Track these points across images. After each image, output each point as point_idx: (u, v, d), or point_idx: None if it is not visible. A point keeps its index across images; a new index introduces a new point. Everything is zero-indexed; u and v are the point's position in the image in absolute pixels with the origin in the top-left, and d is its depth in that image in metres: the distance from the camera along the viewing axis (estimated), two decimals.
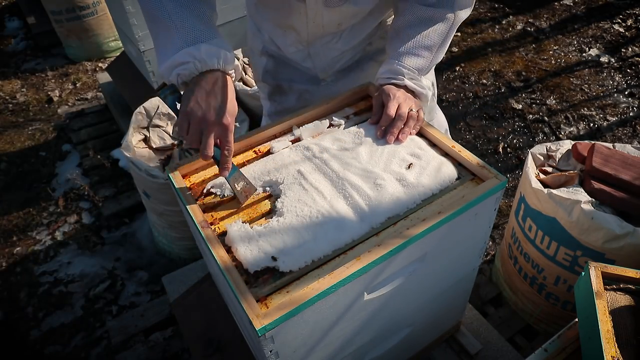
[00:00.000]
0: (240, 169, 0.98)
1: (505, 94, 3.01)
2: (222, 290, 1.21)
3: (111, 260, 2.23)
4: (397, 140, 1.03)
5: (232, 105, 0.91)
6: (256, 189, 0.97)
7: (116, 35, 3.65)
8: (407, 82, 1.07)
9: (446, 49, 1.14)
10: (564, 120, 2.78)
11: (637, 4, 3.72)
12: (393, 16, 1.20)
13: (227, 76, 0.94)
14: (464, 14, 1.12)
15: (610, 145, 1.53)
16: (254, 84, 2.28)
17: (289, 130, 1.13)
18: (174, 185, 1.00)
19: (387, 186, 0.94)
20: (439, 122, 1.53)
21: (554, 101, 2.91)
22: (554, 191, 1.42)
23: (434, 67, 1.39)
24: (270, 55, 1.32)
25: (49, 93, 3.42)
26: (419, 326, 1.20)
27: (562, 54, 3.30)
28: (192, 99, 0.89)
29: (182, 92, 0.94)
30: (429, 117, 1.46)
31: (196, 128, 0.89)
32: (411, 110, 1.05)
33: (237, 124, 2.12)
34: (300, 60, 1.27)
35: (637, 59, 3.19)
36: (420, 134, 1.10)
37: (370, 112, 1.13)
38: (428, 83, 1.13)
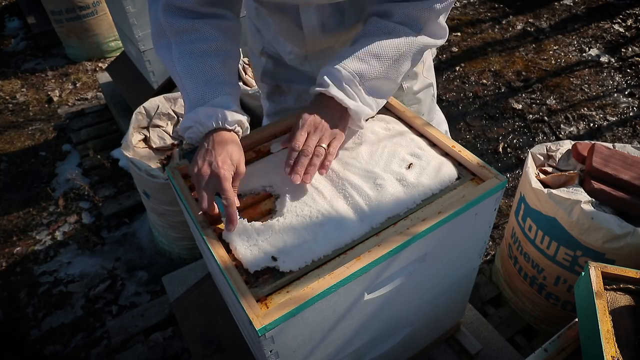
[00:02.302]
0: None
1: (505, 94, 3.01)
2: (222, 290, 1.21)
3: (111, 260, 2.23)
4: (303, 181, 0.91)
5: (227, 156, 0.90)
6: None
7: (116, 35, 3.65)
8: (335, 92, 0.93)
9: (402, 70, 0.99)
10: (564, 120, 2.78)
11: (637, 4, 3.72)
12: None
13: (229, 132, 0.95)
14: (431, 42, 1.00)
15: (610, 145, 1.53)
16: (254, 84, 2.28)
17: (289, 130, 1.13)
18: (174, 185, 1.00)
19: (387, 186, 0.94)
20: (439, 123, 1.53)
21: (554, 101, 2.91)
22: (554, 191, 1.42)
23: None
24: (269, 56, 1.32)
25: (49, 93, 3.42)
26: (419, 326, 1.20)
27: (562, 54, 3.30)
28: (193, 159, 0.93)
29: None
30: (429, 117, 1.46)
31: (196, 187, 0.90)
32: (320, 145, 0.92)
33: None
34: (299, 65, 1.28)
35: (637, 59, 3.19)
36: (420, 134, 1.10)
37: None
38: (370, 100, 0.97)
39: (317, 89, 0.95)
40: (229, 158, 0.90)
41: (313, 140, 0.92)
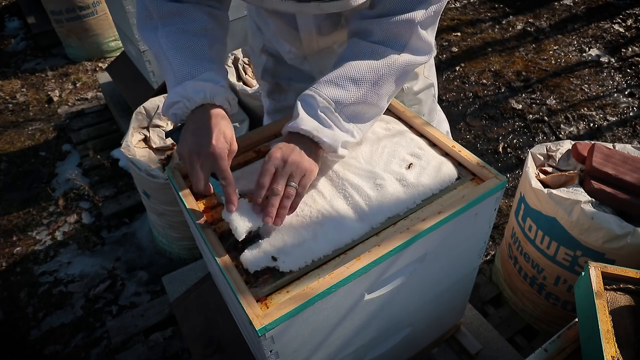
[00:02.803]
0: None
1: (505, 94, 3.01)
2: (222, 290, 1.21)
3: (111, 260, 2.23)
4: (274, 223, 0.85)
5: (220, 134, 0.87)
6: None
7: (116, 35, 3.65)
8: (305, 126, 0.87)
9: (383, 92, 0.93)
10: (564, 120, 2.78)
11: (637, 4, 3.72)
12: None
13: (219, 108, 0.91)
14: (414, 60, 0.94)
15: (610, 145, 1.53)
16: (254, 84, 2.28)
17: None
18: (174, 185, 1.00)
19: (387, 186, 0.94)
20: (439, 123, 1.53)
21: (554, 101, 2.91)
22: (554, 191, 1.42)
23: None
24: (270, 54, 1.32)
25: (49, 93, 3.42)
26: (419, 326, 1.20)
27: (562, 54, 3.30)
28: (182, 139, 0.89)
29: None
30: (429, 117, 1.46)
31: (189, 167, 0.87)
32: (289, 184, 0.85)
33: (237, 124, 2.12)
34: (298, 64, 1.28)
35: (637, 59, 3.19)
36: (420, 133, 1.10)
37: None
38: (349, 126, 0.91)
39: (287, 128, 0.90)
40: (222, 135, 0.87)
41: (282, 177, 0.85)
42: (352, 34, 0.98)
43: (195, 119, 0.89)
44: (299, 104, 0.90)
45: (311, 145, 0.89)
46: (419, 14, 0.89)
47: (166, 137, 1.01)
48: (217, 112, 0.90)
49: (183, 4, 0.95)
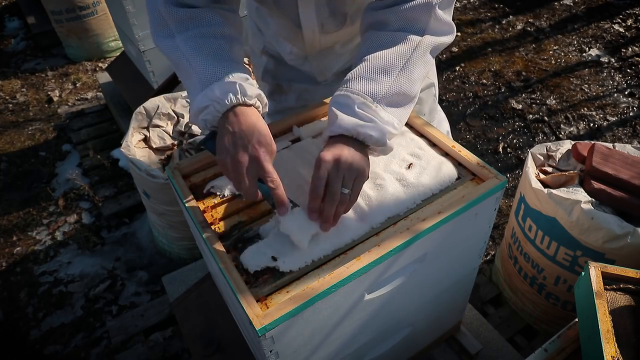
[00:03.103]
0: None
1: (505, 94, 3.01)
2: (222, 290, 1.21)
3: (111, 260, 2.23)
4: (332, 224, 0.84)
5: (260, 135, 0.83)
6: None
7: (116, 35, 3.65)
8: (347, 125, 0.83)
9: (415, 77, 0.90)
10: (564, 120, 2.78)
11: (637, 4, 3.72)
12: None
13: (251, 108, 0.87)
14: (437, 40, 0.92)
15: (610, 145, 1.53)
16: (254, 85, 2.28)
17: (289, 130, 1.13)
18: (174, 185, 1.00)
19: (387, 186, 0.94)
20: (440, 123, 1.53)
21: (554, 101, 2.91)
22: (554, 191, 1.42)
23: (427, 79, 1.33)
24: (270, 55, 1.32)
25: (49, 93, 3.42)
26: (419, 326, 1.20)
27: (562, 54, 3.30)
28: (220, 146, 0.85)
29: None
30: (430, 117, 1.46)
31: (234, 176, 0.83)
32: (343, 190, 0.82)
33: None
34: (299, 65, 1.28)
35: (637, 59, 3.19)
36: (420, 134, 1.10)
37: None
38: (389, 117, 0.87)
39: (327, 133, 0.87)
40: (263, 137, 0.84)
41: (336, 182, 0.81)
42: (366, 27, 0.96)
43: (230, 123, 0.85)
44: (332, 107, 0.87)
45: (358, 144, 0.85)
46: None
47: (199, 147, 0.96)
48: (252, 113, 0.86)
49: (197, 8, 0.93)
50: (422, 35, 0.90)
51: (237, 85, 0.85)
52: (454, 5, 0.96)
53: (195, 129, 1.96)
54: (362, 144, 0.86)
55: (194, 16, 0.92)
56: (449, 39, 0.95)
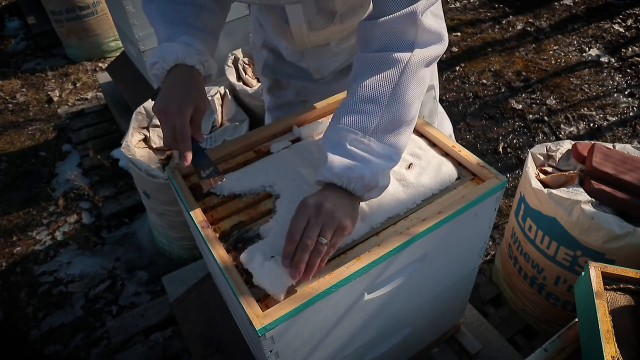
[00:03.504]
0: (210, 157, 0.97)
1: (505, 94, 3.01)
2: (222, 290, 1.21)
3: (111, 260, 2.23)
4: (302, 278, 0.78)
5: (185, 91, 0.91)
6: (224, 178, 0.94)
7: (116, 35, 3.65)
8: (336, 172, 0.79)
9: (408, 100, 0.84)
10: (564, 120, 2.78)
11: (637, 4, 3.72)
12: None
13: (191, 69, 0.94)
14: (428, 54, 0.86)
15: (610, 145, 1.53)
16: (254, 84, 2.29)
17: (289, 130, 1.13)
18: (174, 185, 1.00)
19: None
20: (442, 125, 1.53)
21: (554, 101, 2.91)
22: (554, 191, 1.42)
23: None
24: (270, 49, 1.33)
25: (49, 93, 3.42)
26: (419, 326, 1.20)
27: (562, 54, 3.30)
28: (158, 98, 0.93)
29: None
30: (429, 120, 1.45)
31: (162, 125, 0.91)
32: (320, 239, 0.77)
33: (237, 123, 2.12)
34: (296, 61, 1.28)
35: (637, 59, 3.19)
36: (420, 134, 1.10)
37: None
38: (385, 150, 0.83)
39: (318, 178, 0.83)
40: (187, 94, 0.91)
41: (314, 229, 0.77)
42: (357, 43, 0.94)
43: (169, 78, 0.93)
44: (324, 147, 0.84)
45: (346, 195, 0.81)
46: (420, 5, 0.84)
47: (149, 98, 1.03)
48: (189, 72, 0.93)
49: None
50: (412, 49, 0.85)
51: (180, 48, 0.92)
52: (441, 11, 0.93)
53: None
54: (352, 196, 0.82)
55: None
56: (440, 47, 0.89)
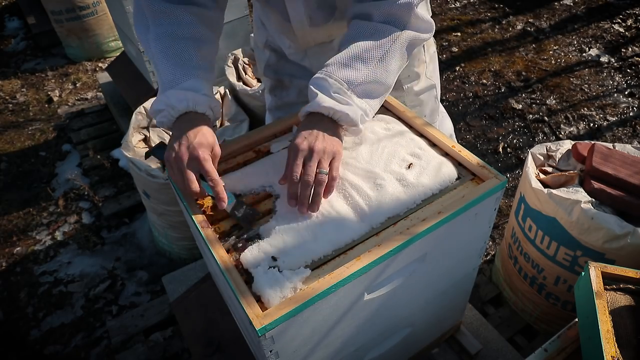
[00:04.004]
0: (241, 198, 0.96)
1: (505, 94, 3.01)
2: (222, 290, 1.21)
3: (111, 260, 2.23)
4: (310, 211, 0.88)
5: (203, 138, 0.90)
6: (259, 214, 0.94)
7: (116, 35, 3.65)
8: (325, 104, 0.90)
9: (391, 68, 0.96)
10: (564, 120, 2.78)
11: (637, 4, 3.72)
12: None
13: (201, 115, 0.95)
14: (416, 36, 0.98)
15: (610, 145, 1.53)
16: (254, 84, 2.28)
17: (289, 130, 1.13)
18: (173, 185, 1.00)
19: (387, 186, 0.94)
20: (442, 124, 1.53)
21: (554, 101, 2.91)
22: (554, 191, 1.42)
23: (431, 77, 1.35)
24: (272, 49, 1.33)
25: (49, 93, 3.42)
26: (419, 326, 1.20)
27: (562, 54, 3.30)
28: (168, 147, 0.92)
29: None
30: (431, 119, 1.45)
31: (176, 171, 0.90)
32: (320, 171, 0.88)
33: (237, 123, 2.12)
34: (299, 60, 1.28)
35: (637, 59, 3.19)
36: (420, 134, 1.10)
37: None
38: (363, 104, 0.94)
39: (306, 109, 0.94)
40: (205, 139, 0.90)
41: (311, 167, 0.87)
42: (351, 17, 1.00)
43: (179, 126, 0.93)
44: (312, 87, 0.93)
45: (332, 125, 0.93)
46: None
47: (146, 157, 1.03)
48: (200, 119, 0.94)
49: (172, 5, 0.97)
50: (403, 29, 0.95)
51: (190, 95, 0.93)
52: (428, 6, 1.03)
53: None
54: (335, 124, 0.93)
55: (168, 12, 0.97)
56: (427, 35, 1.00)
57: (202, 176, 0.90)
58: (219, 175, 0.91)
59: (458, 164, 1.02)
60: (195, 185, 0.88)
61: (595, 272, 1.00)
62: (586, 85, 3.01)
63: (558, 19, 3.66)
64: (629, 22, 3.56)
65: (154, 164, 1.85)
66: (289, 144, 1.09)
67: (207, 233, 0.89)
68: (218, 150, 0.94)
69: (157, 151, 0.99)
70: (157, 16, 0.98)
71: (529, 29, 3.59)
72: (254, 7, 1.35)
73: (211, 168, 0.89)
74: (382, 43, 0.93)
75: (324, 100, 0.90)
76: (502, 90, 3.05)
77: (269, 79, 1.38)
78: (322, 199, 0.91)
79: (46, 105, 3.32)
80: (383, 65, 0.94)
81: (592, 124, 2.73)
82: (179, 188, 0.92)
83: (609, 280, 1.01)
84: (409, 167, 0.99)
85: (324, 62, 1.27)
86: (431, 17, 1.05)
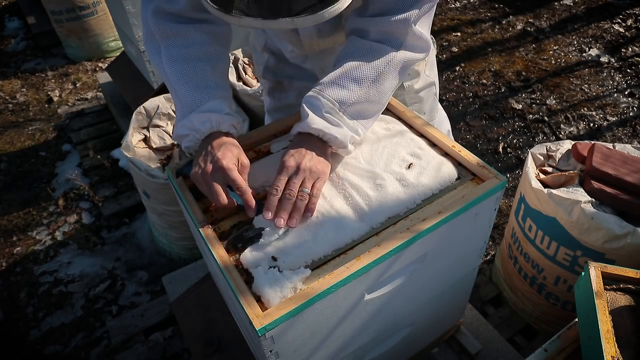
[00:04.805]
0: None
1: (505, 94, 3.01)
2: (222, 290, 1.21)
3: (111, 260, 2.23)
4: (287, 225, 0.87)
5: (227, 150, 0.91)
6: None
7: (116, 35, 3.65)
8: (315, 125, 0.90)
9: (384, 89, 0.95)
10: (564, 120, 2.78)
11: (637, 4, 3.72)
12: None
13: (226, 133, 0.96)
14: (412, 56, 0.97)
15: (610, 145, 1.53)
16: (254, 84, 2.28)
17: (289, 130, 1.13)
18: (173, 185, 1.00)
19: (387, 186, 0.94)
20: (440, 122, 1.53)
21: (554, 101, 2.91)
22: (554, 191, 1.42)
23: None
24: (271, 52, 1.32)
25: (49, 93, 3.42)
26: (419, 326, 1.20)
27: (562, 54, 3.30)
28: (195, 163, 0.93)
29: None
30: (430, 116, 1.46)
31: (203, 185, 0.90)
32: (303, 189, 0.88)
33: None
34: (300, 63, 1.28)
35: (637, 59, 3.19)
36: (420, 133, 1.10)
37: None
38: (354, 124, 0.94)
39: (296, 129, 0.94)
40: (229, 151, 0.91)
41: (295, 183, 0.88)
42: (349, 32, 1.00)
43: (204, 146, 0.94)
44: (304, 105, 0.93)
45: (321, 145, 0.93)
46: (413, 14, 0.92)
47: (177, 176, 1.03)
48: (224, 138, 0.95)
49: (183, 25, 0.97)
50: (398, 49, 0.94)
51: (213, 117, 0.94)
52: (431, 22, 1.01)
53: None
54: (325, 144, 0.93)
55: (179, 33, 0.97)
56: (422, 55, 0.99)
57: (230, 186, 0.90)
58: None
59: (458, 164, 1.02)
60: (223, 197, 0.87)
61: (595, 272, 1.00)
62: (586, 85, 3.01)
63: (558, 19, 3.66)
64: (629, 22, 3.56)
65: (153, 164, 1.85)
66: (289, 144, 1.09)
67: (207, 233, 0.89)
68: (245, 160, 0.93)
69: (186, 168, 1.00)
70: (168, 37, 0.97)
71: (529, 29, 3.59)
72: None
73: (237, 176, 0.88)
74: (376, 64, 0.93)
75: (314, 122, 0.90)
76: (502, 90, 3.05)
77: (267, 81, 1.38)
78: (320, 202, 0.91)
79: (46, 105, 3.32)
80: (376, 86, 0.94)
81: (592, 124, 2.73)
82: (209, 198, 0.91)
83: (609, 280, 1.01)
84: (409, 167, 0.99)
85: (326, 64, 1.27)
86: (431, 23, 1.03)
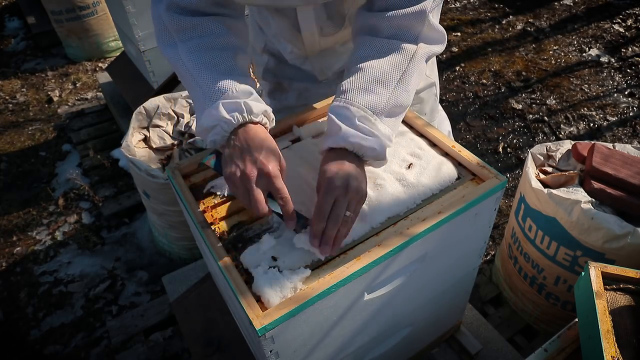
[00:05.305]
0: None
1: (505, 94, 3.01)
2: (222, 290, 1.21)
3: (111, 260, 2.23)
4: (331, 252, 0.82)
5: (270, 150, 0.82)
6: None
7: (116, 35, 3.65)
8: (352, 140, 0.83)
9: (411, 88, 0.90)
10: (564, 120, 2.78)
11: (637, 4, 3.72)
12: None
13: (259, 125, 0.86)
14: (430, 49, 0.92)
15: (610, 145, 1.53)
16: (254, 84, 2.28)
17: (289, 130, 1.13)
18: (174, 185, 1.00)
19: (387, 186, 0.94)
20: (441, 122, 1.53)
21: (554, 101, 2.91)
22: (554, 191, 1.42)
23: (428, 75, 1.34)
24: (271, 53, 1.32)
25: (49, 93, 3.42)
26: (419, 326, 1.20)
27: (562, 54, 3.30)
28: (228, 163, 0.84)
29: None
30: (431, 117, 1.46)
31: (243, 191, 0.81)
32: (347, 213, 0.80)
33: None
34: (300, 64, 1.28)
35: (637, 59, 3.19)
36: (420, 134, 1.10)
37: None
38: (387, 130, 0.87)
39: (328, 144, 0.86)
40: (272, 154, 0.83)
41: (342, 207, 0.80)
42: (357, 30, 0.95)
43: (238, 140, 0.84)
44: (333, 117, 0.85)
45: (357, 160, 0.86)
46: (427, 4, 0.87)
47: (200, 165, 0.94)
48: (259, 129, 0.85)
49: (200, 17, 0.91)
50: (416, 43, 0.90)
51: (243, 104, 0.84)
52: (440, 11, 0.96)
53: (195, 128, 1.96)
54: (361, 159, 0.86)
55: (197, 25, 0.90)
56: (440, 47, 0.95)
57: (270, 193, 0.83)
58: None
59: (458, 164, 1.02)
60: (264, 207, 0.80)
61: (595, 272, 1.00)
62: (586, 85, 3.01)
63: (558, 19, 3.66)
64: (629, 22, 3.56)
65: (153, 164, 1.85)
66: (289, 144, 1.09)
67: (207, 233, 0.89)
68: (284, 163, 0.86)
69: (215, 163, 0.91)
70: (184, 31, 0.90)
71: (529, 29, 3.59)
72: (250, 12, 1.33)
73: (282, 185, 0.81)
74: (399, 62, 0.87)
75: (349, 134, 0.83)
76: (502, 90, 3.05)
77: (267, 83, 1.38)
78: None
79: (46, 105, 3.32)
80: (402, 85, 0.88)
81: (592, 124, 2.73)
82: (245, 206, 0.84)
83: (609, 280, 1.01)
84: (409, 167, 0.99)
85: (326, 65, 1.27)
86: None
